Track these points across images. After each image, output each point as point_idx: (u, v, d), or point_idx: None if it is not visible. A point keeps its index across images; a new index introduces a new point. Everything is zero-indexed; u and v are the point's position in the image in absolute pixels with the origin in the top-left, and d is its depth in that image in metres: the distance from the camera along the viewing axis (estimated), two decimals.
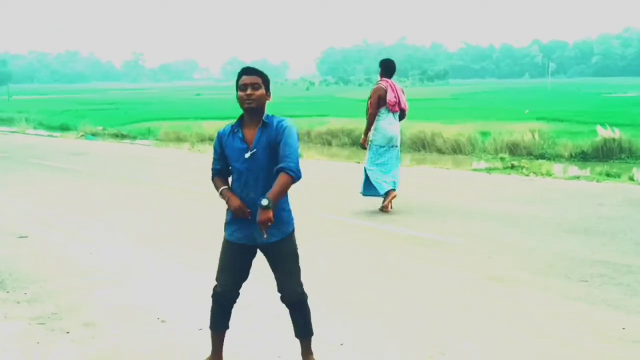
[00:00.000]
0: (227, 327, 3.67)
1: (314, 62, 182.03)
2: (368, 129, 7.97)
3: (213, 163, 3.55)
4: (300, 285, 3.55)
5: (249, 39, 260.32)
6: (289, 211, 3.52)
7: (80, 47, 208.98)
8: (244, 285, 3.59)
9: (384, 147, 7.96)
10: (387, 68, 7.97)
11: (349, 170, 12.78)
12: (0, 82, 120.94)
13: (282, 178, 3.27)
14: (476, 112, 30.00)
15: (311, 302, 3.59)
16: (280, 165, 3.30)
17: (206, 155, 15.24)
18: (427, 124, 19.13)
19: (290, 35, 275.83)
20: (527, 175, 11.65)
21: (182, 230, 7.34)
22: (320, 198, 9.09)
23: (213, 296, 3.59)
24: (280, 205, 3.40)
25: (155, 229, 7.40)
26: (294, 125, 3.43)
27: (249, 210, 3.37)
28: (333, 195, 9.54)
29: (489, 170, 12.87)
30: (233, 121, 3.50)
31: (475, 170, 13.45)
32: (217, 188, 3.51)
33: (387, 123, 7.92)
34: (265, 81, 3.41)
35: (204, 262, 5.63)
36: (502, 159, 14.07)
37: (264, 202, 3.20)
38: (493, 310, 4.63)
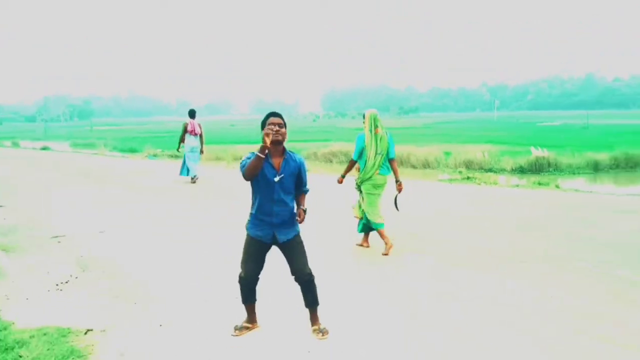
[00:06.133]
0: (255, 300, 3.66)
1: (319, 99, 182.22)
2: (180, 142, 11.81)
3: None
4: (310, 268, 3.57)
5: (269, 83, 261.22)
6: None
7: (143, 89, 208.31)
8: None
9: (189, 150, 11.73)
10: (190, 113, 11.79)
11: (345, 182, 12.70)
12: (85, 117, 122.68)
13: (303, 196, 3.56)
14: (441, 137, 29.92)
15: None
16: (303, 189, 3.54)
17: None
18: (404, 146, 19.07)
19: (299, 79, 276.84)
20: (479, 185, 11.61)
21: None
22: (326, 209, 9.00)
23: (240, 281, 3.61)
24: (292, 213, 3.52)
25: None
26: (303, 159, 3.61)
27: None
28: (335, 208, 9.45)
29: (450, 180, 12.83)
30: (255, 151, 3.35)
31: (440, 180, 13.39)
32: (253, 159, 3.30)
33: (190, 140, 11.73)
34: (285, 123, 3.49)
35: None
36: (460, 172, 14.06)
37: (304, 208, 3.52)
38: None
